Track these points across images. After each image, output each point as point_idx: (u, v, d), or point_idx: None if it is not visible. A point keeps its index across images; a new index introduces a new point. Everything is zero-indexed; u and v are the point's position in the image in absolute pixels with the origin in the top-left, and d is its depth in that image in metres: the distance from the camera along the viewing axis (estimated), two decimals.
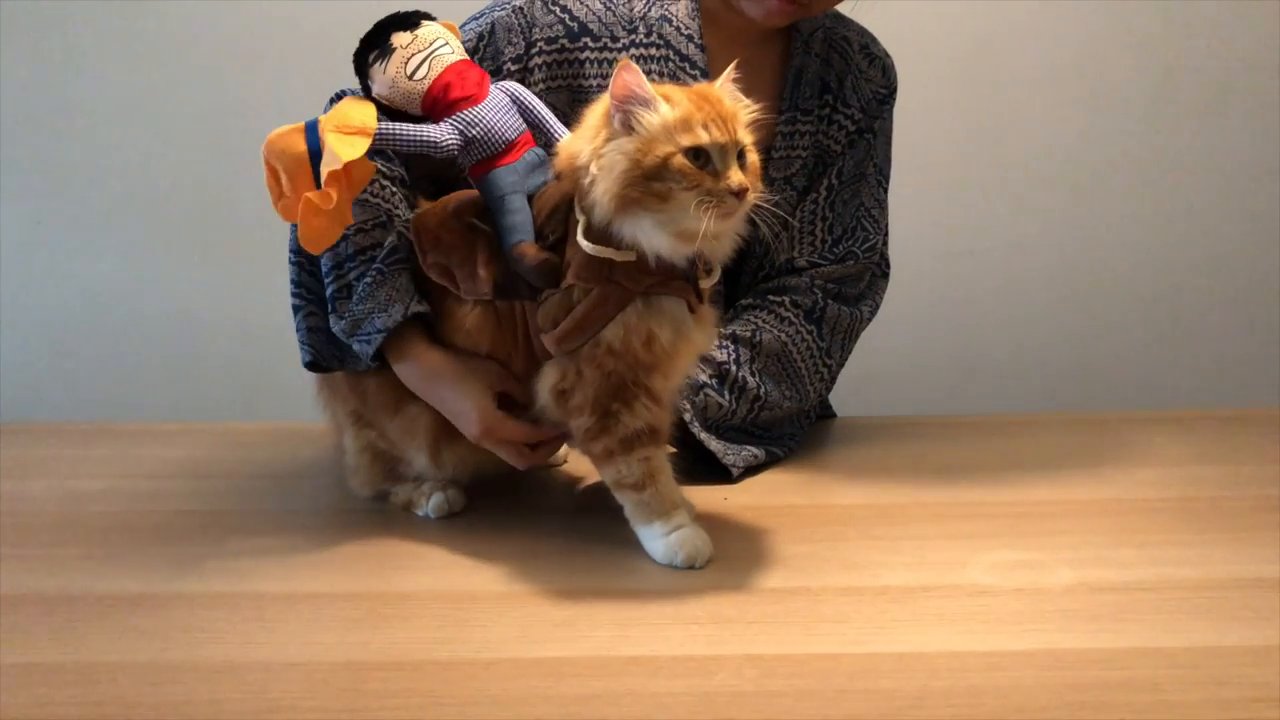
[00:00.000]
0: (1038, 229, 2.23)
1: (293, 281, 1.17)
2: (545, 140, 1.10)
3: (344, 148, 0.99)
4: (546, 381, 1.07)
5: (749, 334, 1.28)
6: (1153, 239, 2.23)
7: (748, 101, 1.03)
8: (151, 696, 0.83)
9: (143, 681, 0.85)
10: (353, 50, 1.10)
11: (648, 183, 0.96)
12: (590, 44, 1.24)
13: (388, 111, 1.09)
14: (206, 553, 1.07)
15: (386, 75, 1.08)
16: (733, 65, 1.04)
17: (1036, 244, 2.23)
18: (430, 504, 1.15)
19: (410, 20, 1.10)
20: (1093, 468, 1.27)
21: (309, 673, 0.86)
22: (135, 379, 2.24)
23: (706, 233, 0.97)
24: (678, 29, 1.26)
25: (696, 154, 0.97)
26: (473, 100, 1.07)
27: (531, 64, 1.23)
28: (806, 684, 0.84)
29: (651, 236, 0.99)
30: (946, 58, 2.14)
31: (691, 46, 1.26)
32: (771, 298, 1.31)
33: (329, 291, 1.13)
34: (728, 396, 1.25)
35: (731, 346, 1.27)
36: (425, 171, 1.18)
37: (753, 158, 1.01)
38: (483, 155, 1.07)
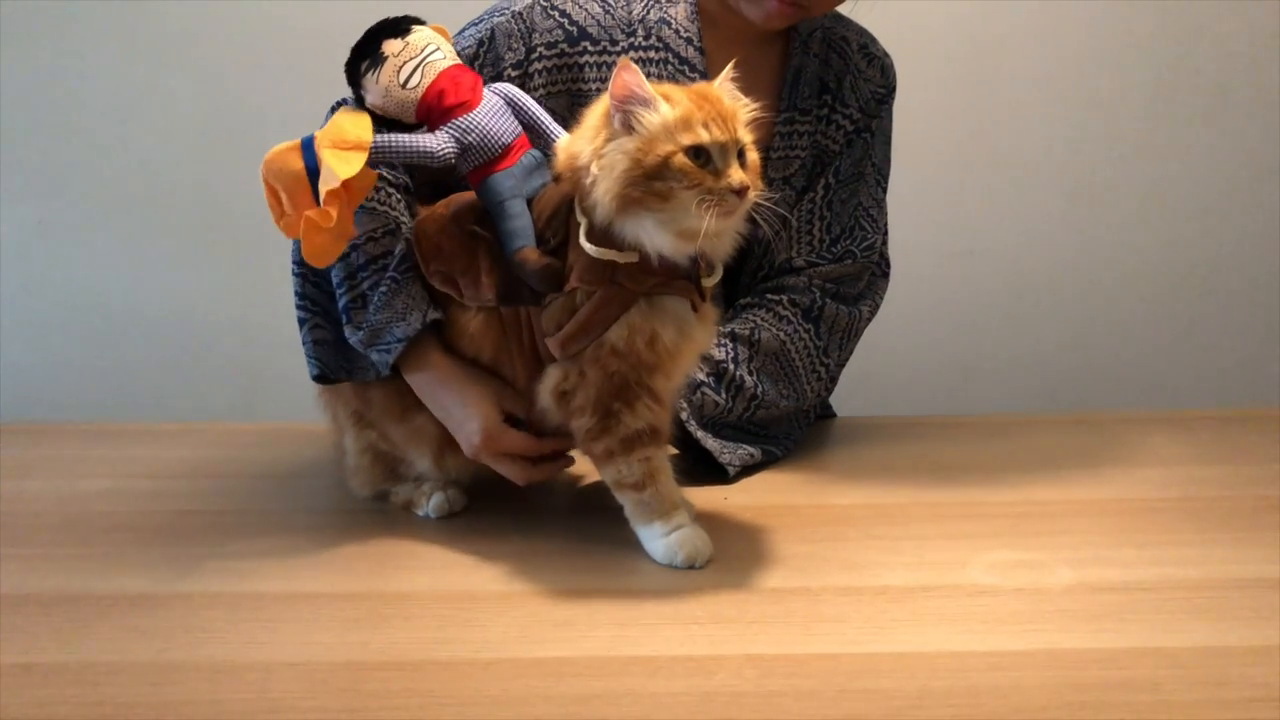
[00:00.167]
0: (1038, 229, 2.23)
1: (297, 294, 1.17)
2: (541, 141, 1.10)
3: (341, 165, 0.99)
4: (548, 383, 1.07)
5: (747, 332, 1.28)
6: (1152, 239, 2.23)
7: (747, 100, 1.03)
8: (151, 696, 0.83)
9: (143, 681, 0.85)
10: (349, 55, 1.09)
11: (649, 182, 0.96)
12: (589, 48, 1.24)
13: (383, 121, 1.08)
14: (206, 553, 1.07)
15: (380, 85, 1.07)
16: (731, 64, 1.04)
17: (1036, 244, 2.23)
18: (431, 504, 1.15)
19: (400, 27, 1.09)
20: (1093, 468, 1.27)
21: (309, 673, 0.86)
22: (135, 379, 2.24)
23: (708, 231, 0.97)
24: (676, 32, 1.26)
25: (697, 153, 0.97)
26: (467, 106, 1.06)
27: (532, 69, 1.23)
28: (806, 684, 0.84)
29: (653, 236, 0.99)
30: (946, 58, 2.14)
31: (690, 49, 1.26)
32: (770, 296, 1.31)
33: (343, 303, 1.12)
34: (724, 395, 1.25)
35: (729, 345, 1.27)
36: (427, 178, 1.18)
37: (753, 156, 1.01)
38: (480, 161, 1.07)
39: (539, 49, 1.23)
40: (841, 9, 1.32)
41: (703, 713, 0.81)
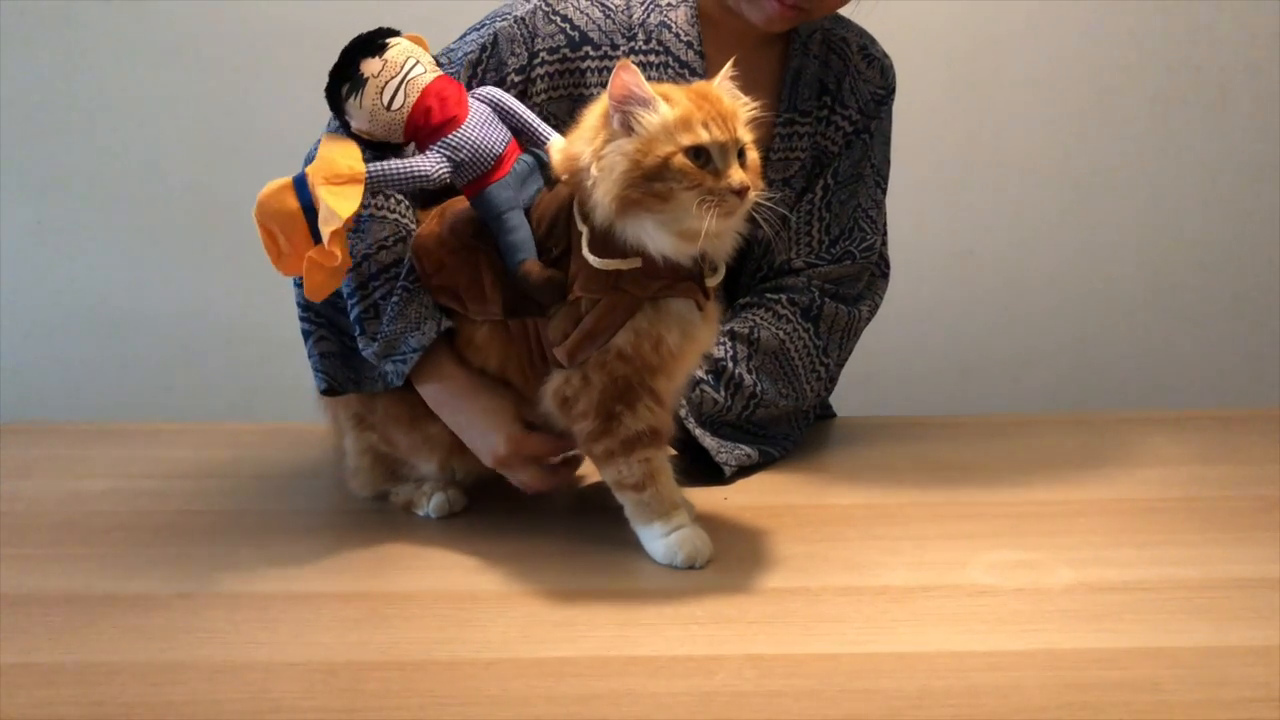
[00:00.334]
0: (1038, 229, 2.23)
1: (300, 305, 1.16)
2: (531, 142, 1.09)
3: (340, 203, 0.98)
4: (549, 387, 1.07)
5: (746, 331, 1.28)
6: (1153, 239, 2.23)
7: (746, 99, 1.03)
8: (151, 696, 0.83)
9: (143, 681, 0.85)
10: (327, 80, 1.07)
11: (648, 183, 0.96)
12: (591, 53, 1.24)
13: (370, 144, 1.07)
14: (206, 553, 1.07)
15: (363, 109, 1.05)
16: (730, 63, 1.03)
17: (1036, 244, 2.23)
18: (431, 504, 1.15)
19: (375, 44, 1.06)
20: (1093, 468, 1.27)
21: (309, 673, 0.86)
22: (135, 379, 2.24)
23: (708, 232, 0.96)
24: (677, 35, 1.26)
25: (697, 153, 0.96)
26: (455, 122, 1.05)
27: (534, 74, 1.22)
28: (806, 684, 0.84)
29: (654, 237, 0.99)
30: (946, 58, 2.14)
31: (690, 52, 1.26)
32: (769, 296, 1.31)
33: (355, 314, 1.12)
34: (723, 393, 1.25)
35: (728, 343, 1.27)
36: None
37: (753, 155, 1.01)
38: (474, 175, 1.05)
39: (541, 54, 1.23)
40: (842, 10, 1.32)
41: (703, 713, 0.81)
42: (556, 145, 1.07)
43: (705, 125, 0.97)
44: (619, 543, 1.07)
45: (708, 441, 1.23)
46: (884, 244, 1.39)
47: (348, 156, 1.02)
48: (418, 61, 1.07)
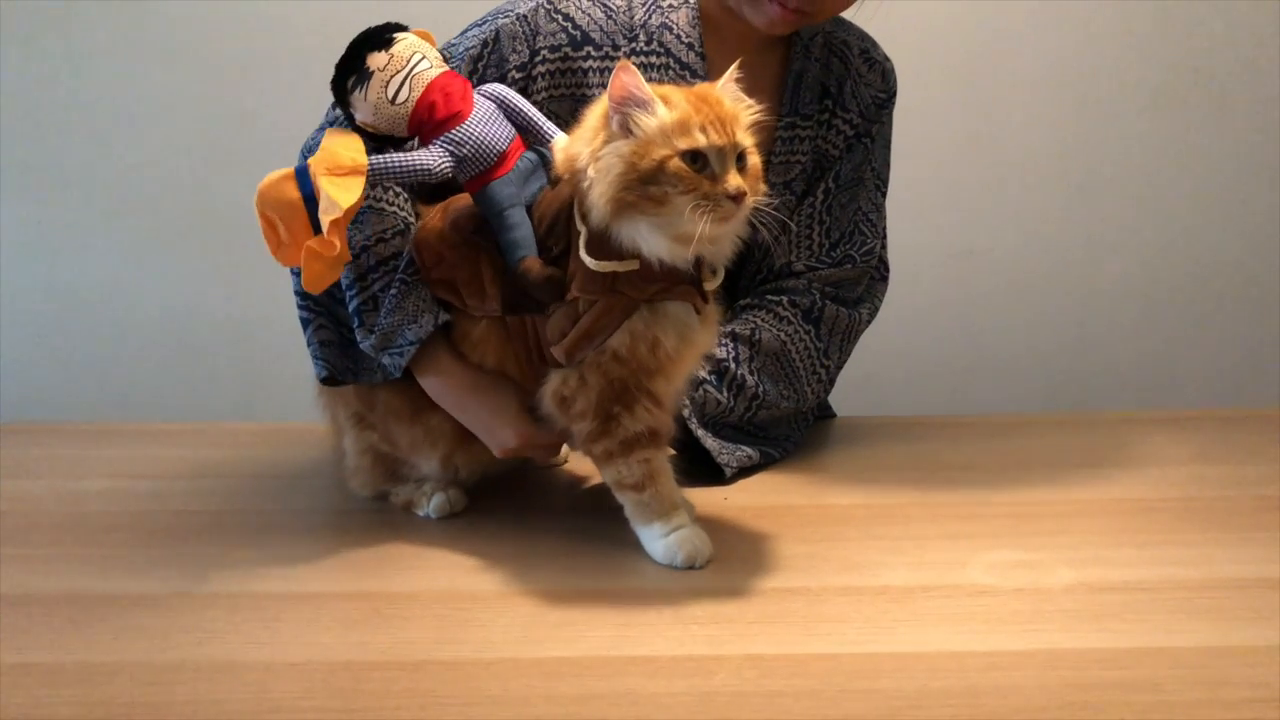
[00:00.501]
0: (1038, 229, 2.23)
1: (298, 294, 1.16)
2: (536, 140, 1.09)
3: (341, 193, 0.98)
4: (548, 388, 1.07)
5: (748, 332, 1.28)
6: (1152, 239, 2.23)
7: (750, 102, 1.03)
8: (151, 696, 0.83)
9: (143, 681, 0.85)
10: (333, 72, 1.07)
11: (644, 186, 0.96)
12: (593, 53, 1.24)
13: (373, 137, 1.07)
14: (206, 553, 1.07)
15: (368, 102, 1.05)
16: (735, 65, 1.03)
17: (1036, 244, 2.23)
18: (432, 504, 1.15)
19: (383, 39, 1.06)
20: (1093, 468, 1.27)
21: (309, 673, 0.86)
22: (135, 379, 2.24)
23: (703, 236, 0.96)
24: (678, 37, 1.26)
25: (694, 157, 0.96)
26: (459, 117, 1.05)
27: (535, 72, 1.22)
28: (806, 684, 0.84)
29: (649, 240, 0.99)
30: (946, 58, 2.14)
31: (692, 54, 1.26)
32: (770, 298, 1.31)
33: (353, 305, 1.12)
34: (726, 393, 1.25)
35: (730, 344, 1.27)
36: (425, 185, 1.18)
37: (754, 160, 1.00)
38: (477, 171, 1.06)
39: (543, 52, 1.23)
40: (842, 12, 1.32)
41: (703, 713, 0.81)
42: (560, 144, 1.07)
43: (703, 129, 0.96)
44: (619, 543, 1.07)
45: (709, 442, 1.23)
46: (883, 247, 1.39)
47: (350, 149, 1.02)
48: (424, 57, 1.07)
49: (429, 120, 1.05)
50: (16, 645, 0.90)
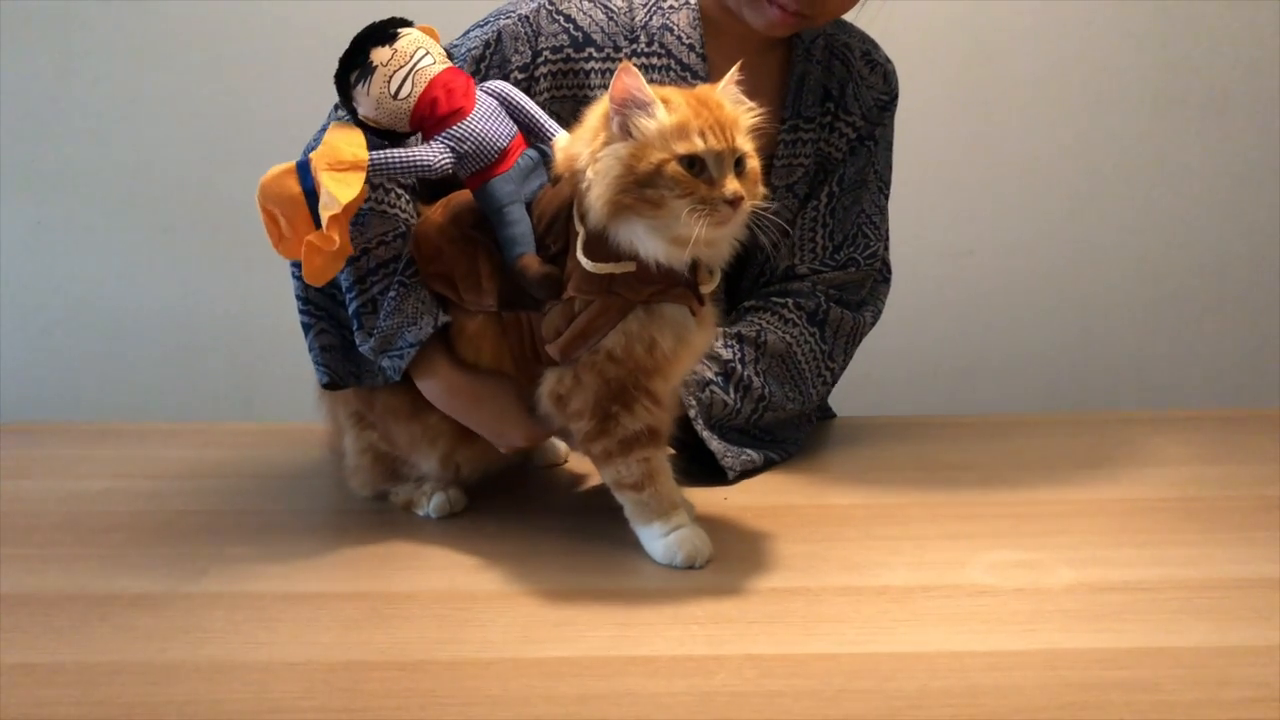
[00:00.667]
0: (1038, 229, 2.23)
1: (299, 298, 1.16)
2: (538, 138, 1.09)
3: (340, 188, 0.98)
4: (544, 387, 1.07)
5: (753, 334, 1.28)
6: (1153, 239, 2.23)
7: (750, 104, 1.03)
8: (151, 696, 0.83)
9: (143, 681, 0.85)
10: (337, 67, 1.08)
11: (641, 189, 0.96)
12: (594, 54, 1.24)
13: (375, 132, 1.07)
14: (206, 553, 1.07)
15: (370, 97, 1.05)
16: (736, 67, 1.03)
17: (1037, 244, 2.23)
18: (432, 504, 1.15)
19: (386, 34, 1.06)
20: (1093, 468, 1.27)
21: (309, 673, 0.86)
22: (135, 379, 2.24)
23: (700, 239, 0.96)
24: (679, 38, 1.26)
25: (691, 161, 0.96)
26: (461, 113, 1.05)
27: (538, 73, 1.22)
28: (806, 684, 0.84)
29: (645, 242, 0.99)
30: (946, 59, 2.14)
31: (693, 55, 1.26)
32: (775, 300, 1.31)
33: (353, 308, 1.12)
34: (733, 395, 1.25)
35: (737, 345, 1.26)
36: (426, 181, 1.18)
37: (753, 164, 1.00)
38: (477, 167, 1.06)
39: (545, 53, 1.23)
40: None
41: (703, 713, 0.81)
42: (560, 143, 1.07)
43: (702, 134, 0.96)
44: (619, 543, 1.07)
45: (715, 445, 1.23)
46: (886, 250, 1.39)
47: (351, 144, 1.03)
48: (427, 52, 1.07)
49: (431, 116, 1.05)
50: (16, 645, 0.90)
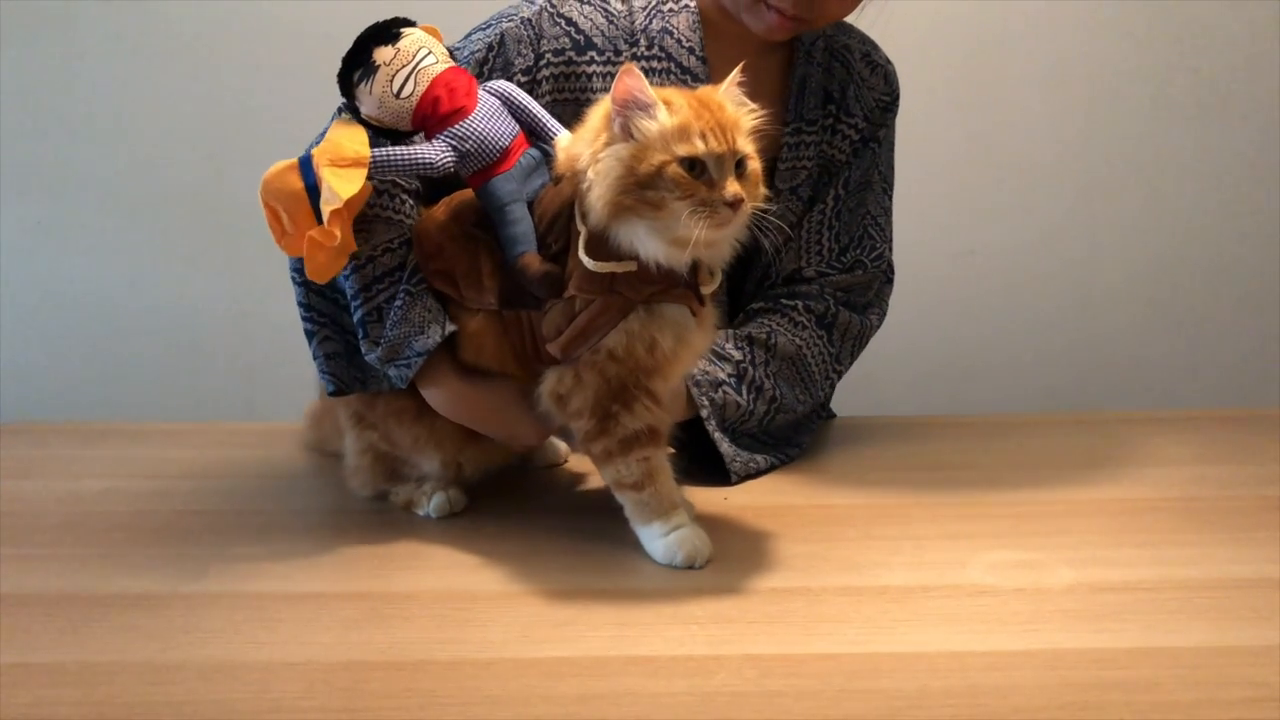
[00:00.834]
0: (1039, 229, 2.23)
1: (301, 304, 1.16)
2: (540, 138, 1.09)
3: (341, 184, 0.99)
4: (545, 386, 1.07)
5: (764, 336, 1.28)
6: (1153, 239, 2.23)
7: (752, 106, 1.03)
8: (151, 696, 0.83)
9: (143, 681, 0.85)
10: (340, 65, 1.08)
11: (641, 191, 0.96)
12: (596, 57, 1.24)
13: (378, 131, 1.07)
14: (206, 553, 1.07)
15: (373, 95, 1.06)
16: (739, 69, 1.03)
17: (1037, 244, 2.23)
18: (432, 504, 1.15)
19: (389, 33, 1.07)
20: (1093, 468, 1.27)
21: (309, 673, 0.86)
22: (135, 379, 2.24)
23: (699, 241, 0.96)
24: (679, 41, 1.26)
25: (692, 164, 0.96)
26: (463, 112, 1.05)
27: (540, 76, 1.22)
28: (806, 684, 0.84)
29: (646, 243, 0.99)
30: (947, 59, 2.15)
31: (693, 58, 1.26)
32: (784, 302, 1.31)
33: (358, 316, 1.11)
34: (746, 396, 1.24)
35: (748, 347, 1.26)
36: (427, 181, 1.17)
37: (754, 165, 1.00)
38: (479, 166, 1.06)
39: (547, 55, 1.23)
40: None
41: (703, 713, 0.81)
42: (562, 143, 1.07)
43: (703, 136, 0.96)
44: (619, 543, 1.07)
45: (724, 447, 1.23)
46: (890, 250, 1.39)
47: (354, 140, 1.03)
48: (430, 52, 1.07)
49: (433, 115, 1.06)
50: (16, 645, 0.90)
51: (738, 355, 1.26)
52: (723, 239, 1.01)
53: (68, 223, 2.19)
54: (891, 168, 1.40)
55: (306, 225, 1.01)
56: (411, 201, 1.13)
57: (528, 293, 1.04)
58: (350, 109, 1.09)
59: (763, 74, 1.28)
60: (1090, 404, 2.26)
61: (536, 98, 1.20)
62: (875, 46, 1.38)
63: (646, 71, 1.24)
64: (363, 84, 1.06)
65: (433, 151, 1.04)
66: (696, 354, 1.09)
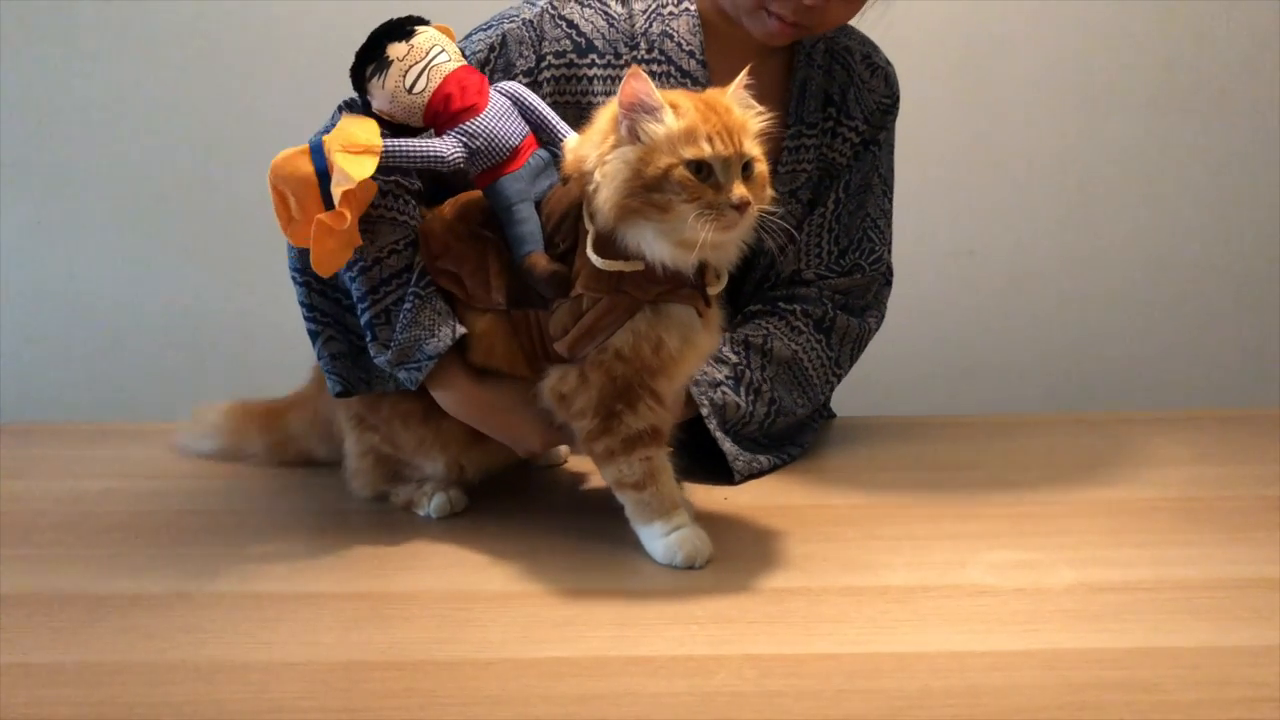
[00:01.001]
0: (1038, 229, 2.23)
1: (303, 304, 1.15)
2: (550, 139, 1.09)
3: (354, 167, 0.99)
4: (546, 383, 1.07)
5: (760, 340, 1.27)
6: (1152, 239, 2.23)
7: (759, 108, 1.03)
8: (151, 696, 0.83)
9: (143, 681, 0.85)
10: (354, 50, 1.08)
11: (648, 193, 0.96)
12: (596, 60, 1.24)
13: (389, 126, 1.08)
14: (207, 552, 1.07)
15: (385, 90, 1.07)
16: (745, 71, 1.03)
17: (1037, 244, 2.23)
18: (432, 504, 1.15)
19: (404, 30, 1.08)
20: (1093, 468, 1.27)
21: (309, 673, 0.86)
22: (135, 379, 2.24)
23: (706, 243, 0.96)
24: (679, 44, 1.26)
25: (699, 166, 0.96)
26: (474, 110, 1.06)
27: (541, 77, 1.22)
28: (806, 684, 0.84)
29: (652, 245, 0.99)
30: (946, 59, 2.14)
31: (693, 62, 1.26)
32: (782, 305, 1.31)
33: (366, 319, 1.11)
34: (744, 396, 1.24)
35: (743, 351, 1.26)
36: (430, 180, 1.17)
37: (760, 168, 1.01)
38: (488, 164, 1.06)
39: (548, 57, 1.23)
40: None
41: (703, 713, 0.81)
42: (570, 144, 1.08)
43: (709, 139, 0.97)
44: (619, 543, 1.07)
45: (727, 446, 1.23)
46: (889, 252, 1.39)
47: (366, 131, 1.04)
48: (443, 50, 1.08)
49: (444, 111, 1.06)
50: (16, 645, 0.90)
51: (734, 358, 1.26)
52: (729, 241, 1.01)
53: (68, 223, 2.19)
54: (891, 170, 1.40)
55: (314, 211, 1.01)
56: (415, 203, 1.13)
57: (535, 292, 1.05)
58: (361, 103, 1.10)
59: (763, 77, 1.27)
60: (1090, 404, 2.26)
61: None
62: (875, 48, 1.37)
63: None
64: (375, 78, 1.07)
65: (444, 146, 1.05)
66: (702, 355, 1.09)
